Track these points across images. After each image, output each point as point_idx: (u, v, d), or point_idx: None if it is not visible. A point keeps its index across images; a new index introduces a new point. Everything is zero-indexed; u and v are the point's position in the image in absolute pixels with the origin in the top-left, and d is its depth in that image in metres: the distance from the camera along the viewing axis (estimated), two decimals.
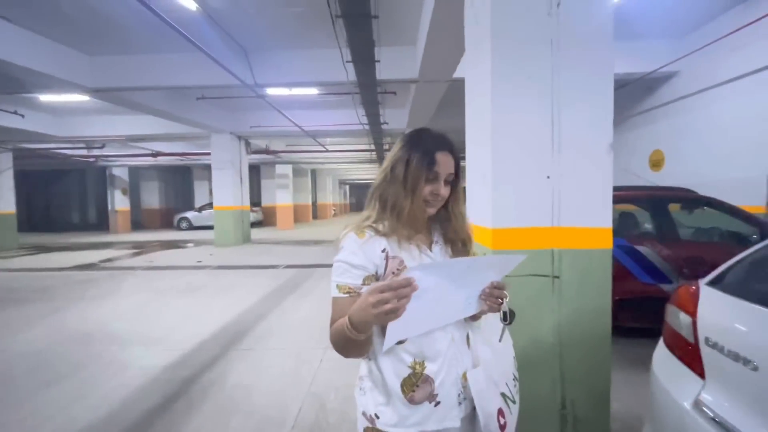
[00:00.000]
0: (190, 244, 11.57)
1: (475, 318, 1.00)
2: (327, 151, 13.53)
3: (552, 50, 1.90)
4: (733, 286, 1.16)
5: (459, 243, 0.98)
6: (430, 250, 0.95)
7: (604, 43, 1.93)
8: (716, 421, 1.02)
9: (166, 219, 18.62)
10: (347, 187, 38.71)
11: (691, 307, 1.19)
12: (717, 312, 1.14)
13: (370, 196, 0.98)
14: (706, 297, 1.19)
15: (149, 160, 14.70)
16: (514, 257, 0.87)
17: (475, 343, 0.97)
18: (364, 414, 0.93)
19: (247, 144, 11.58)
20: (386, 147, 13.25)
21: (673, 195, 3.83)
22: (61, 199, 18.90)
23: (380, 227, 0.92)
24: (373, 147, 12.58)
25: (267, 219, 18.13)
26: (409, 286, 0.69)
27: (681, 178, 5.84)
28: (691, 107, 6.11)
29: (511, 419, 0.93)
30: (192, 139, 12.54)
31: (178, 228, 16.87)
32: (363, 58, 4.83)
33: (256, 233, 13.58)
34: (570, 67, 1.90)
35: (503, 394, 0.92)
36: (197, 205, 18.33)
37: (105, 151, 13.92)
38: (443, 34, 4.37)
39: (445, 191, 0.92)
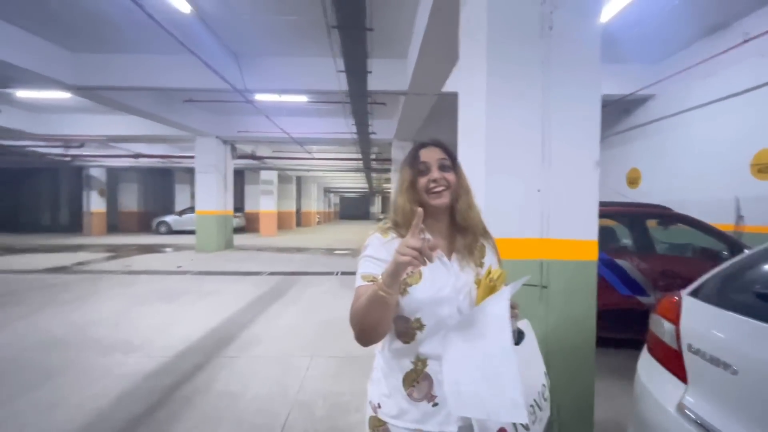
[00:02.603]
0: (169, 249, 11.27)
1: None
2: (313, 158, 13.52)
3: (543, 70, 2.00)
4: (713, 296, 1.24)
5: (468, 234, 0.99)
6: (449, 259, 0.97)
7: (592, 65, 2.04)
8: (699, 423, 1.08)
9: (144, 222, 18.11)
10: (332, 195, 38.61)
11: (674, 316, 1.27)
12: (698, 320, 1.22)
13: (390, 208, 1.07)
14: (688, 306, 1.28)
15: (129, 162, 14.32)
16: (520, 280, 0.91)
17: None
18: (370, 402, 1.00)
19: (233, 148, 11.45)
20: (373, 156, 13.34)
21: (651, 212, 4.01)
22: (31, 199, 18.13)
23: (402, 231, 0.97)
24: (360, 156, 12.63)
25: (250, 225, 17.88)
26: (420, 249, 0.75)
27: (656, 195, 6.11)
28: (666, 129, 6.43)
29: None
30: (175, 141, 12.32)
31: (157, 232, 16.43)
32: (356, 69, 4.90)
33: (239, 239, 13.34)
34: (560, 87, 2.00)
35: (515, 424, 0.90)
36: (178, 208, 17.90)
37: (82, 151, 13.50)
38: (435, 49, 4.50)
39: (444, 177, 0.95)
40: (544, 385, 1.02)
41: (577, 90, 2.03)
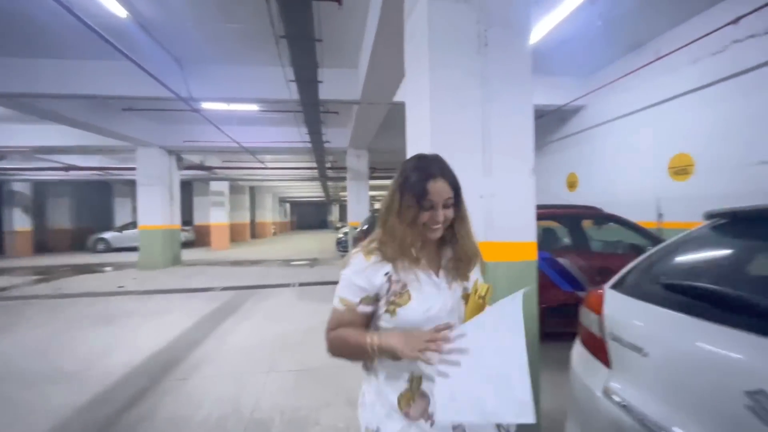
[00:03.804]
0: (108, 268, 10.42)
1: None
2: (267, 168, 13.19)
3: (482, 84, 2.13)
4: (629, 287, 1.39)
5: (465, 262, 0.99)
6: (437, 276, 0.97)
7: (525, 79, 2.21)
8: (622, 405, 1.20)
9: (79, 240, 16.56)
10: (288, 205, 37.76)
11: (598, 307, 1.41)
12: (618, 310, 1.36)
13: (378, 221, 1.00)
14: (609, 298, 1.42)
15: (60, 175, 13.10)
16: (516, 295, 0.89)
17: None
18: (367, 429, 0.96)
19: (179, 159, 10.88)
20: (328, 165, 13.27)
21: (584, 213, 4.36)
22: None
23: (387, 252, 0.94)
24: (315, 165, 12.51)
25: (200, 239, 16.97)
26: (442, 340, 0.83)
27: (592, 197, 6.63)
28: (597, 137, 7.04)
29: None
30: (113, 152, 11.48)
31: (94, 250, 15.12)
32: (306, 78, 4.88)
33: (188, 254, 12.64)
34: (497, 99, 2.15)
35: (498, 425, 0.93)
36: (118, 224, 16.63)
37: (3, 164, 12.17)
38: (384, 60, 4.60)
39: (444, 215, 0.93)
40: None
41: (513, 102, 2.18)
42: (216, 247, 15.45)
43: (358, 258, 0.95)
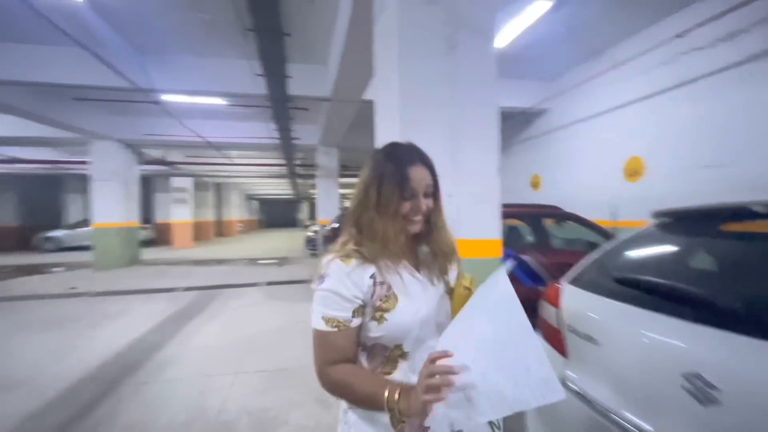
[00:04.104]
0: (59, 269, 9.75)
1: None
2: (233, 164, 12.80)
3: (450, 85, 2.19)
4: (585, 282, 1.49)
5: (443, 257, 0.93)
6: (418, 272, 0.91)
7: (490, 82, 2.29)
8: (579, 393, 1.28)
9: (24, 239, 15.35)
10: (256, 202, 36.83)
11: (556, 301, 1.49)
12: (574, 303, 1.44)
13: (346, 222, 0.91)
14: (567, 292, 1.51)
15: (3, 168, 12.10)
16: (505, 266, 0.83)
17: None
18: None
19: (138, 153, 10.33)
20: (298, 162, 13.07)
21: (545, 212, 4.55)
22: None
23: (368, 251, 0.85)
24: (284, 162, 12.28)
25: (161, 237, 16.21)
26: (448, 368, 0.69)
27: (554, 197, 6.93)
28: (559, 139, 7.36)
29: None
30: (64, 145, 10.73)
31: (43, 249, 14.09)
32: (274, 73, 4.79)
33: (148, 253, 12.05)
34: (464, 100, 2.21)
35: (491, 423, 0.89)
36: (69, 221, 15.57)
37: None
38: (355, 58, 4.59)
39: (426, 205, 0.87)
40: None
41: (479, 103, 2.25)
42: (178, 246, 14.82)
43: (335, 266, 0.83)
